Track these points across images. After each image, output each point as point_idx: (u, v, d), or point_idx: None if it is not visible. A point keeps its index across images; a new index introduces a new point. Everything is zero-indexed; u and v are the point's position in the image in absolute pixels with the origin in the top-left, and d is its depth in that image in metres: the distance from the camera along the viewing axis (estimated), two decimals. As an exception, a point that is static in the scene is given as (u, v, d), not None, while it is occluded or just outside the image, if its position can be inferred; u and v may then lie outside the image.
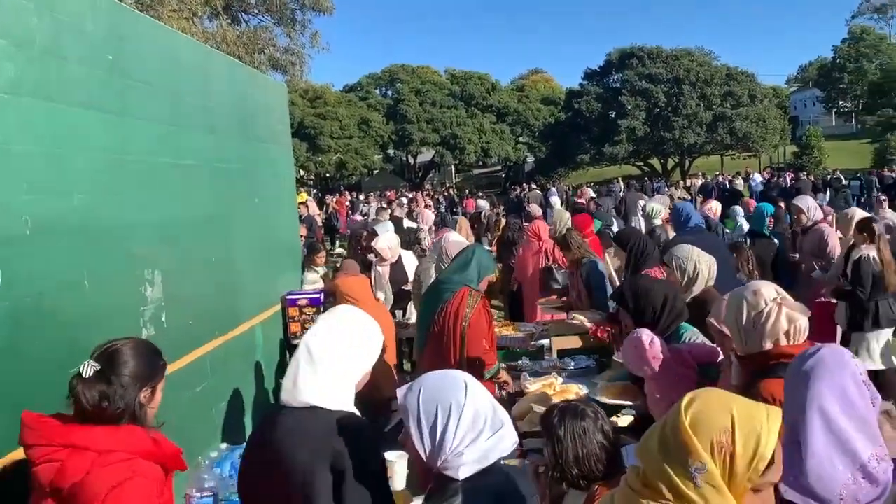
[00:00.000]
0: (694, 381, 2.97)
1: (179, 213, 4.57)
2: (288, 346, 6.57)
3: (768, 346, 2.44)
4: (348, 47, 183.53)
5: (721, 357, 3.07)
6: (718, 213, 9.22)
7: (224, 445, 4.59)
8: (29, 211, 3.03)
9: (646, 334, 3.07)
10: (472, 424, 1.87)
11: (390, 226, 10.68)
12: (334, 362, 2.04)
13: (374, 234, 8.79)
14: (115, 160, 3.86)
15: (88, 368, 2.06)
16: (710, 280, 4.08)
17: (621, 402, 3.52)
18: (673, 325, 3.29)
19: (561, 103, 49.17)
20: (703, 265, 3.97)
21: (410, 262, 7.57)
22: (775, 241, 7.67)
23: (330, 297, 6.28)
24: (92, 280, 3.52)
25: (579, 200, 17.11)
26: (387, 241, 7.51)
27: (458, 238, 5.34)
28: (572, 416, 2.21)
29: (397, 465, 2.81)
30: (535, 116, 49.94)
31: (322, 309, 6.57)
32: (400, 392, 1.92)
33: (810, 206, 6.91)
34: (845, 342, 5.68)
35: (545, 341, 5.24)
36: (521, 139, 50.79)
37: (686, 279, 3.96)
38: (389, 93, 51.53)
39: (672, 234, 7.00)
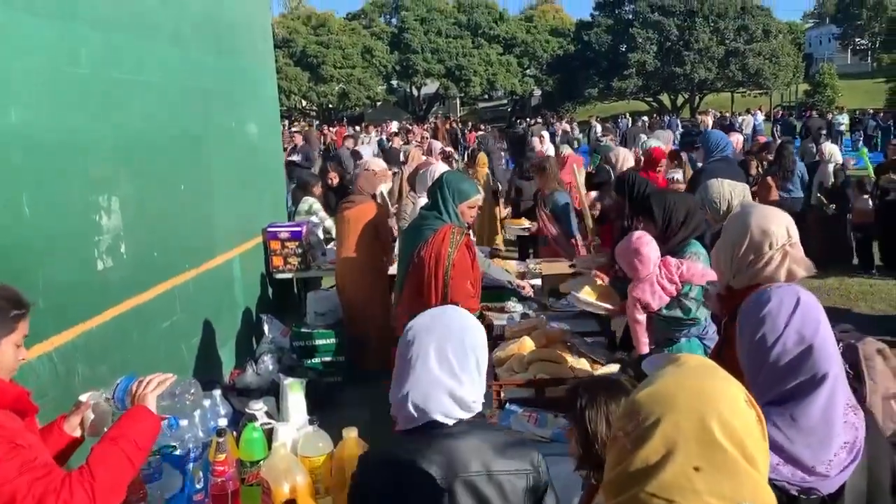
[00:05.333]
0: (673, 295, 3.16)
1: (140, 135, 4.20)
2: (270, 281, 6.28)
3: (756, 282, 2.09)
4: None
5: (711, 280, 3.06)
6: (739, 145, 8.82)
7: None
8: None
9: (645, 235, 3.22)
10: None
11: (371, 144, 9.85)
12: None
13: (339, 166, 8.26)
14: (61, 72, 3.48)
15: None
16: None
17: (599, 303, 3.47)
18: (689, 237, 3.36)
19: (570, 35, 47.61)
20: (734, 198, 3.89)
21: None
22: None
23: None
24: (33, 205, 3.19)
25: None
26: (377, 163, 6.74)
27: (444, 168, 4.95)
28: (606, 393, 1.84)
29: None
30: (543, 48, 48.34)
31: (312, 241, 6.21)
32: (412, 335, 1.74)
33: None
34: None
35: (537, 281, 4.94)
36: (528, 72, 49.29)
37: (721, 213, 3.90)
38: (394, 21, 49.87)
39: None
